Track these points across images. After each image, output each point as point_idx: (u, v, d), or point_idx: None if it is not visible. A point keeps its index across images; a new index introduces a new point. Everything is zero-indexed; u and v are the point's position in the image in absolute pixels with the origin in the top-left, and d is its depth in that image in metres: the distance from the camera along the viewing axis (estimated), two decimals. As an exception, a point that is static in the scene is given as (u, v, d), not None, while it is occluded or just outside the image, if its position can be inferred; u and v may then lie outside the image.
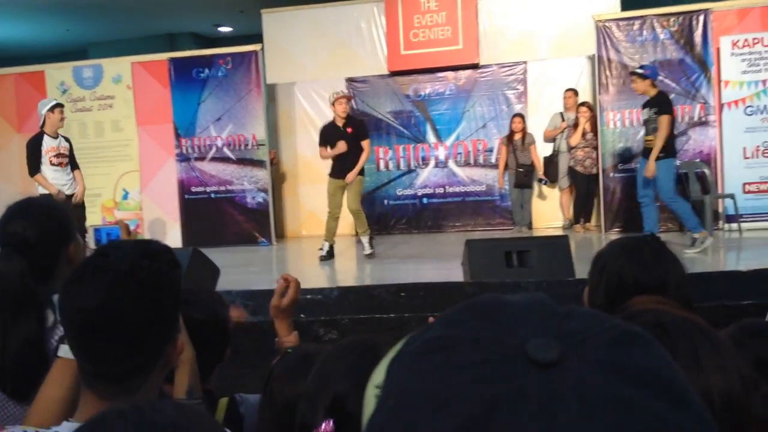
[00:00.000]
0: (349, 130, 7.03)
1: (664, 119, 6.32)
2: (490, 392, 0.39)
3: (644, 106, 6.61)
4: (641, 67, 6.64)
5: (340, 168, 7.08)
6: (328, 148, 7.10)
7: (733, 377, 0.92)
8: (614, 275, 1.72)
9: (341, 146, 6.90)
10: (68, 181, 6.79)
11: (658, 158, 6.32)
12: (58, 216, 1.89)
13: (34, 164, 6.59)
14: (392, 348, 1.28)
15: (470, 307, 0.45)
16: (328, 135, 7.14)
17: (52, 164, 6.65)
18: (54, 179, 6.66)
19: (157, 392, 1.20)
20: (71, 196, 6.76)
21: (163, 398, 1.48)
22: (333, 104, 7.08)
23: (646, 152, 6.49)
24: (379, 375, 0.55)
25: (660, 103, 6.39)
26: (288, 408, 1.41)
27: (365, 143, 7.13)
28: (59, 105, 6.87)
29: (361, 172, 7.20)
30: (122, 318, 1.09)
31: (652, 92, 6.47)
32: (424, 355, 0.43)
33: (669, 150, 6.39)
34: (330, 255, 7.14)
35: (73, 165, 6.92)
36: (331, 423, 1.13)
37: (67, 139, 6.99)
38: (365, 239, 7.23)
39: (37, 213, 1.83)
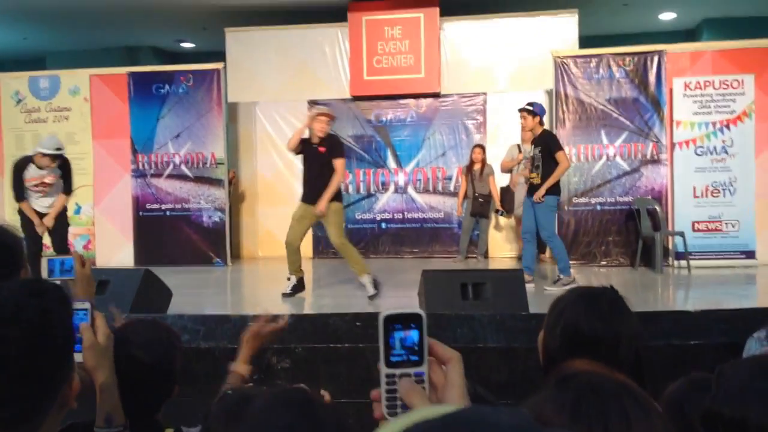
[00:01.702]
0: (321, 149, 6.22)
1: (561, 155, 6.47)
2: None
3: (531, 143, 6.74)
4: (530, 104, 6.68)
5: (311, 192, 6.24)
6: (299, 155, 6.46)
7: None
8: (571, 324, 1.75)
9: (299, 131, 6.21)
10: (46, 209, 6.36)
11: (545, 195, 6.42)
12: (8, 241, 1.84)
13: (18, 192, 6.23)
14: (325, 405, 1.26)
15: None
16: (302, 152, 6.41)
17: (31, 191, 6.29)
18: (34, 205, 6.33)
19: None
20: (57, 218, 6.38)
21: None
22: (313, 119, 6.30)
23: (531, 190, 6.56)
24: None
25: (546, 142, 6.51)
26: None
27: (338, 162, 6.21)
28: (53, 155, 6.20)
29: (339, 198, 6.32)
30: (10, 359, 1.04)
31: (538, 130, 6.60)
32: None
33: (554, 188, 6.50)
34: (297, 289, 6.29)
35: (66, 189, 6.42)
36: None
37: (62, 166, 6.36)
38: (366, 279, 6.17)
39: None
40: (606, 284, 1.81)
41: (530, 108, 6.58)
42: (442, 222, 9.53)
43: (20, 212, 6.27)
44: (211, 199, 9.08)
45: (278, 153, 9.78)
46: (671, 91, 8.21)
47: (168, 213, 9.14)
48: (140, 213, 9.16)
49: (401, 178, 9.65)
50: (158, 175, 9.17)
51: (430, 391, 0.85)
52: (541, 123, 6.59)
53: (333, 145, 6.30)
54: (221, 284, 7.90)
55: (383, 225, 9.65)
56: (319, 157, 6.20)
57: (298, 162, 9.65)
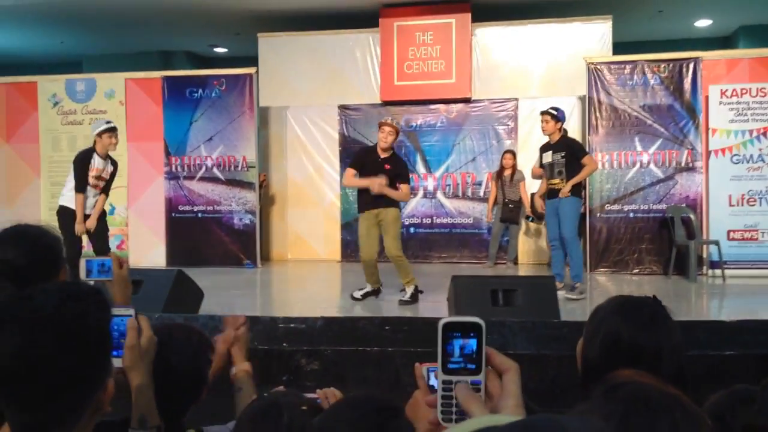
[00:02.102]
0: (387, 166, 6.14)
1: (588, 158, 6.44)
2: None
3: (545, 149, 6.60)
4: (554, 108, 6.56)
5: (370, 202, 6.14)
6: (357, 175, 6.29)
7: None
8: (611, 333, 1.73)
9: (375, 185, 6.02)
10: (89, 209, 6.41)
11: (569, 196, 6.33)
12: (49, 244, 1.88)
13: (81, 183, 6.25)
14: (399, 408, 1.27)
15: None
16: (364, 161, 6.27)
17: (89, 184, 6.33)
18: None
19: None
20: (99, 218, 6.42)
21: None
22: (378, 128, 6.27)
23: (553, 195, 6.47)
24: None
25: (571, 147, 6.44)
26: None
27: (405, 187, 6.21)
28: (109, 130, 6.36)
29: (398, 205, 6.30)
30: (43, 365, 1.04)
31: (557, 136, 6.48)
32: None
33: (577, 190, 6.43)
34: (371, 294, 6.31)
35: (105, 189, 6.50)
36: None
37: (114, 163, 6.55)
38: (410, 289, 6.16)
39: (28, 241, 1.83)
40: (648, 294, 1.78)
41: (554, 112, 6.49)
42: (471, 228, 9.50)
43: (59, 213, 6.35)
44: (242, 202, 9.17)
45: (308, 157, 9.84)
46: (707, 98, 8.09)
47: (200, 215, 9.24)
48: (173, 214, 9.29)
49: (430, 183, 9.64)
50: (191, 178, 9.29)
51: (486, 400, 0.85)
52: (560, 130, 6.51)
53: (401, 168, 6.27)
54: (251, 286, 7.96)
55: (412, 230, 9.64)
56: (384, 173, 6.11)
57: (328, 167, 9.74)
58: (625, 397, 0.96)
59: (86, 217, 6.34)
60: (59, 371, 1.05)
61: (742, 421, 1.44)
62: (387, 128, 6.15)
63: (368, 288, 6.30)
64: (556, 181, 6.43)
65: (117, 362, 1.47)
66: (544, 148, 6.65)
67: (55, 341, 1.05)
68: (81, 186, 6.27)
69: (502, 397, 0.84)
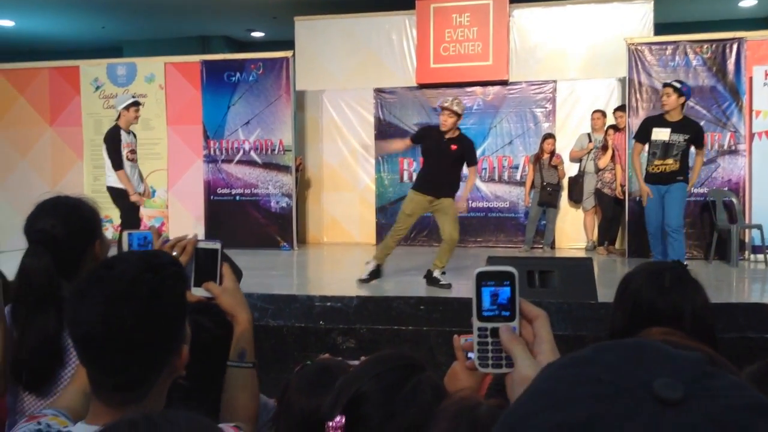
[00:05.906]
0: (453, 147, 6.05)
1: (703, 151, 6.19)
2: (602, 408, 0.43)
3: (659, 124, 6.09)
4: (679, 82, 6.19)
5: (433, 185, 6.08)
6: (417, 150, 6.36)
7: None
8: (632, 296, 1.76)
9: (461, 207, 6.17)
10: (137, 178, 6.83)
11: (681, 182, 6.07)
12: (86, 214, 1.93)
13: (117, 159, 6.53)
14: (429, 373, 1.31)
15: (627, 342, 0.49)
16: (426, 139, 6.22)
17: (128, 159, 6.61)
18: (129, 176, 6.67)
19: (164, 400, 1.22)
20: (141, 193, 6.81)
21: (176, 409, 1.50)
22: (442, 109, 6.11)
23: (669, 177, 6.04)
24: None
25: (697, 133, 6.09)
26: (304, 420, 1.42)
27: (473, 170, 6.23)
28: (135, 104, 6.76)
29: (453, 195, 6.20)
30: (123, 331, 1.10)
31: (678, 114, 6.04)
32: (565, 366, 0.48)
33: (686, 176, 6.13)
34: (375, 275, 6.17)
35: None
36: (342, 419, 1.15)
37: (133, 134, 6.89)
38: (438, 272, 6.09)
39: (65, 211, 1.88)
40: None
41: (678, 85, 6.03)
42: (507, 212, 9.43)
43: (110, 193, 6.57)
44: (279, 185, 9.25)
45: (343, 141, 9.87)
46: (751, 79, 7.89)
47: (238, 197, 9.36)
48: (211, 197, 9.42)
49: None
50: (229, 161, 9.40)
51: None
52: (682, 107, 6.07)
53: (469, 150, 6.18)
54: (288, 267, 8.05)
55: (447, 214, 9.61)
56: (450, 154, 6.05)
57: (363, 150, 9.76)
58: None
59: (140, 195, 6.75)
60: (136, 338, 1.12)
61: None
62: (445, 113, 6.01)
63: (373, 265, 6.15)
64: (670, 161, 6.00)
65: (202, 292, 1.57)
66: (656, 123, 6.12)
67: (133, 311, 1.11)
68: (118, 163, 6.54)
69: (536, 343, 0.87)
